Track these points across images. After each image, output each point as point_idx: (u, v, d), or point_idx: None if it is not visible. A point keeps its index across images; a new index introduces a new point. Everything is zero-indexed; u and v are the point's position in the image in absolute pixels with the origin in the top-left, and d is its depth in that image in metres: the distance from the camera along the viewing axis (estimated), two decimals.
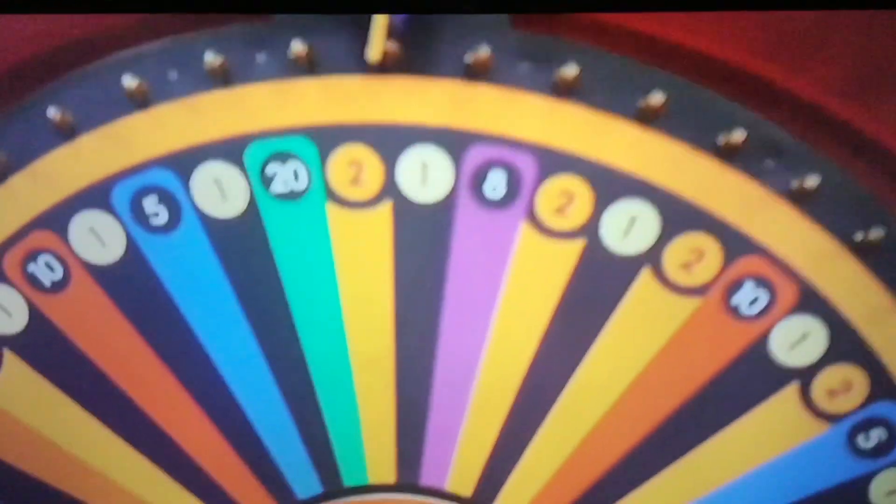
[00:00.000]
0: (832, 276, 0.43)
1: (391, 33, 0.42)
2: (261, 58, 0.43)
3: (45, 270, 0.46)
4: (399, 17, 0.42)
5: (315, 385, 0.47)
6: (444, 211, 0.44)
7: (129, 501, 0.49)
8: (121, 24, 0.43)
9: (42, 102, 0.44)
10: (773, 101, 0.42)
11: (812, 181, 0.42)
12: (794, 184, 0.42)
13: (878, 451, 0.45)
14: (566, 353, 0.46)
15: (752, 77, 0.42)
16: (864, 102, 0.42)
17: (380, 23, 0.41)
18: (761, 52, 0.42)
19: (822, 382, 0.44)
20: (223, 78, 0.43)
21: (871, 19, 0.41)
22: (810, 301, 0.43)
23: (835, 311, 0.44)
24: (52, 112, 0.44)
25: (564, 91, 0.42)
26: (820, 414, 0.45)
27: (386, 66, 0.42)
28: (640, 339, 0.45)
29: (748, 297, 0.44)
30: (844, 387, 0.44)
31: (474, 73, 0.42)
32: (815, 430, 0.45)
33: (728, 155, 0.42)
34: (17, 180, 0.45)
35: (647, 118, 0.42)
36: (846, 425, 0.45)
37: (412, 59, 0.42)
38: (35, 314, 0.47)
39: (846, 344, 0.44)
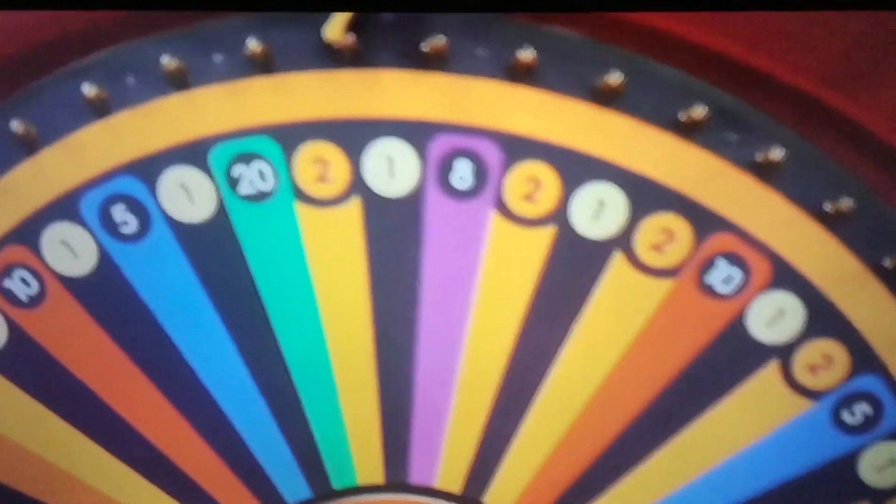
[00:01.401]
0: (805, 249, 0.42)
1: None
2: (217, 58, 0.43)
3: (21, 285, 0.46)
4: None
5: (296, 386, 0.47)
6: (413, 204, 0.44)
7: None
8: (69, 31, 0.43)
9: (3, 117, 0.44)
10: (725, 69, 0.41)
11: (777, 153, 0.41)
12: (759, 157, 0.41)
13: (865, 426, 0.44)
14: (546, 342, 0.45)
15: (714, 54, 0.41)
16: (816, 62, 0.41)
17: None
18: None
19: (803, 358, 0.44)
20: (181, 81, 0.43)
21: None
22: (784, 276, 0.43)
23: (810, 286, 0.43)
24: (16, 126, 0.44)
25: (522, 75, 0.42)
26: (803, 391, 0.44)
27: (343, 60, 0.42)
28: (618, 324, 0.44)
29: (722, 276, 0.43)
30: (825, 362, 0.44)
31: (431, 62, 0.42)
32: (799, 407, 0.44)
33: (690, 131, 0.41)
34: None
35: (607, 98, 0.41)
36: (830, 401, 0.44)
37: (368, 51, 0.42)
38: (14, 330, 0.47)
39: (824, 318, 0.43)
